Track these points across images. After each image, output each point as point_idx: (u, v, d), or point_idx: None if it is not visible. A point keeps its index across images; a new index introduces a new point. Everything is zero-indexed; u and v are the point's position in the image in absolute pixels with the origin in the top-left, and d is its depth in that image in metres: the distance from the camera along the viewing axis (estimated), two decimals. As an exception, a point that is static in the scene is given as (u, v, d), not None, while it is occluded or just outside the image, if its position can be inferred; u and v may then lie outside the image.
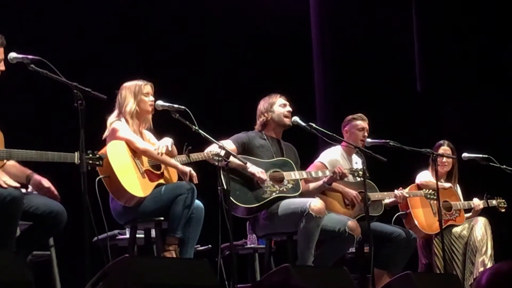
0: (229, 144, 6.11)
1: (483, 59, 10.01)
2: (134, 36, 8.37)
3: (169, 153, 5.71)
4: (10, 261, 3.90)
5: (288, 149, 6.50)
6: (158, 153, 5.59)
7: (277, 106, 6.41)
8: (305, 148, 6.89)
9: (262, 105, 6.46)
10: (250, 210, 6.14)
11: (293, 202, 6.13)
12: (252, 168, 6.08)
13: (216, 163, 5.74)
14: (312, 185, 6.55)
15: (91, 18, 7.97)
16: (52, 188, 4.78)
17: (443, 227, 6.79)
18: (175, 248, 5.56)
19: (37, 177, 4.76)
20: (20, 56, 4.65)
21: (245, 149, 6.25)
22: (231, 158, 5.61)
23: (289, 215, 6.08)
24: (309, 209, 5.99)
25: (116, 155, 5.53)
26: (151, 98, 5.80)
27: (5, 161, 4.66)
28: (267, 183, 6.16)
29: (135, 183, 5.54)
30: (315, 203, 6.05)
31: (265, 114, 6.41)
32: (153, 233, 5.87)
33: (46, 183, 4.76)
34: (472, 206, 7.58)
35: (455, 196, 7.55)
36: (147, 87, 5.81)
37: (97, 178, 5.40)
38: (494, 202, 7.72)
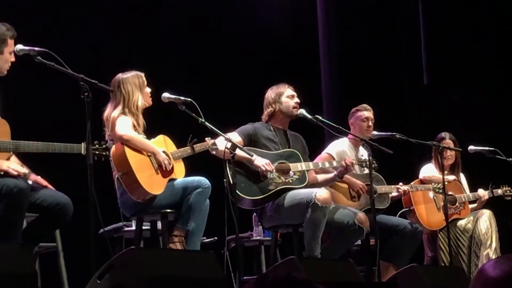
0: (235, 137, 6.10)
1: (490, 52, 9.99)
2: (139, 27, 8.37)
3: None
4: (16, 253, 3.91)
5: (294, 139, 6.49)
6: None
7: (285, 97, 6.38)
8: (311, 140, 6.89)
9: (270, 94, 6.43)
10: (255, 202, 6.14)
11: (299, 193, 6.13)
12: (257, 161, 6.08)
13: (213, 152, 5.73)
14: (321, 177, 6.53)
15: (95, 10, 7.96)
16: (50, 186, 4.79)
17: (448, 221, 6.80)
18: (181, 240, 5.57)
19: (33, 176, 4.76)
20: (27, 48, 4.66)
21: (251, 141, 6.25)
22: (237, 151, 5.61)
23: (295, 206, 6.08)
24: (315, 199, 5.99)
25: (133, 151, 5.53)
26: (149, 89, 5.80)
27: (11, 152, 4.67)
28: (273, 175, 6.16)
29: (151, 180, 5.53)
30: (321, 193, 6.05)
31: (273, 105, 6.39)
32: (159, 225, 5.88)
33: (43, 182, 4.77)
34: (477, 197, 7.56)
35: (459, 189, 7.54)
36: (144, 78, 5.79)
37: (116, 176, 5.41)
38: (499, 191, 7.69)
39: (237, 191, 5.91)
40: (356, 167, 6.72)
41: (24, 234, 4.62)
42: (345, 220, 6.21)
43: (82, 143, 4.60)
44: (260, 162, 6.09)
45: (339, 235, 6.25)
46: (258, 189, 6.11)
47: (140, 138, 5.58)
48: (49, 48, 4.62)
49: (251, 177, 6.12)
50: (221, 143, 5.76)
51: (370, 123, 6.82)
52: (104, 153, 4.82)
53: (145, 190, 5.49)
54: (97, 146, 4.76)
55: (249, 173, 6.12)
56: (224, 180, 5.61)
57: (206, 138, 5.81)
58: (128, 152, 5.49)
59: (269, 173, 6.12)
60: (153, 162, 5.60)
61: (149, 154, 5.60)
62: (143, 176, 5.50)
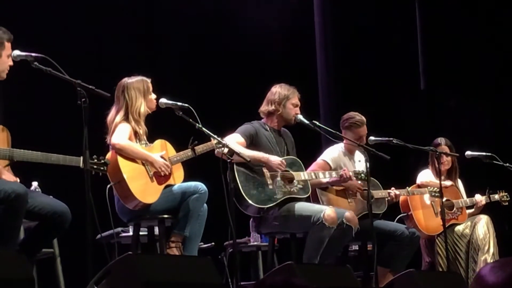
0: (237, 137, 6.13)
1: (487, 57, 10.00)
2: (137, 32, 8.37)
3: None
4: (13, 258, 3.90)
5: (286, 137, 6.50)
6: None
7: (290, 103, 6.36)
8: (308, 145, 6.89)
9: (277, 92, 6.38)
10: (261, 209, 6.14)
11: (307, 209, 6.13)
12: (272, 158, 6.09)
13: (218, 150, 5.67)
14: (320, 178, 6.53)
15: (93, 14, 7.95)
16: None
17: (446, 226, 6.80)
18: (179, 246, 5.57)
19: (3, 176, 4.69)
20: (24, 53, 4.66)
21: (252, 141, 6.25)
22: (236, 155, 5.61)
23: (302, 219, 6.09)
24: (323, 219, 6.01)
25: (127, 160, 5.51)
26: (154, 95, 5.77)
27: (9, 160, 4.64)
28: (279, 183, 6.16)
29: (145, 189, 5.52)
30: (329, 213, 6.05)
31: (276, 106, 6.36)
32: (156, 230, 5.87)
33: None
34: (474, 202, 7.55)
35: (457, 194, 7.53)
36: (150, 84, 5.77)
37: (108, 186, 5.40)
38: (496, 196, 7.68)
39: (246, 197, 5.92)
40: (352, 169, 6.73)
41: (22, 246, 4.61)
42: None
43: (81, 157, 4.58)
44: (275, 160, 6.10)
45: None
46: (266, 197, 6.11)
47: (134, 146, 5.55)
48: (46, 54, 4.62)
49: (259, 184, 6.11)
50: (228, 140, 5.77)
51: (364, 139, 6.77)
52: (102, 168, 4.81)
53: (138, 200, 5.48)
54: (95, 160, 4.75)
55: (257, 179, 6.11)
56: (232, 184, 5.54)
57: (212, 138, 5.70)
58: (121, 161, 5.47)
59: (275, 181, 6.13)
60: (148, 170, 5.58)
61: (143, 162, 5.58)
62: (136, 185, 5.48)
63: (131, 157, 5.53)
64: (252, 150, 6.16)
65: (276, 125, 6.43)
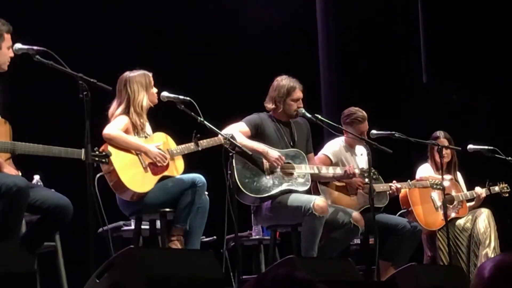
0: (242, 126, 6.16)
1: (490, 51, 9.98)
2: (138, 26, 8.36)
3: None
4: (15, 252, 3.90)
5: (298, 127, 6.48)
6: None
7: (291, 100, 6.34)
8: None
9: (278, 89, 6.36)
10: (256, 199, 6.15)
11: (298, 199, 6.13)
12: (271, 153, 6.11)
13: (226, 146, 5.66)
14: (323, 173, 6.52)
15: (95, 8, 7.95)
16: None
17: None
18: (180, 239, 5.56)
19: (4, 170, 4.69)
20: (26, 47, 4.65)
21: (258, 132, 6.26)
22: (241, 144, 5.61)
23: (292, 210, 6.10)
24: (313, 209, 6.01)
25: (118, 151, 5.50)
26: (156, 89, 5.77)
27: (10, 154, 4.64)
28: (278, 174, 6.17)
29: (136, 179, 5.50)
30: (318, 202, 6.06)
31: (277, 103, 6.35)
32: (158, 224, 5.87)
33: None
34: (475, 195, 7.54)
35: (457, 188, 7.52)
36: (152, 78, 5.77)
37: (98, 175, 5.39)
38: (496, 188, 7.66)
39: (240, 185, 5.92)
40: (353, 163, 6.72)
41: (24, 239, 4.61)
42: (341, 219, 6.23)
43: (82, 149, 4.58)
44: (273, 155, 6.09)
45: (336, 234, 6.25)
46: (261, 187, 6.12)
47: (125, 136, 5.54)
48: (48, 47, 4.61)
49: (256, 173, 6.12)
50: (231, 128, 5.84)
51: (366, 135, 6.74)
52: (103, 160, 4.81)
53: (129, 189, 5.47)
54: (97, 153, 4.75)
55: (255, 169, 6.12)
56: (229, 172, 5.54)
57: (220, 135, 5.68)
58: (112, 151, 5.46)
59: (274, 172, 6.13)
60: (142, 160, 5.57)
61: (137, 152, 5.58)
62: (127, 175, 5.47)
63: (123, 148, 5.53)
64: (257, 140, 6.17)
65: (281, 117, 6.42)
